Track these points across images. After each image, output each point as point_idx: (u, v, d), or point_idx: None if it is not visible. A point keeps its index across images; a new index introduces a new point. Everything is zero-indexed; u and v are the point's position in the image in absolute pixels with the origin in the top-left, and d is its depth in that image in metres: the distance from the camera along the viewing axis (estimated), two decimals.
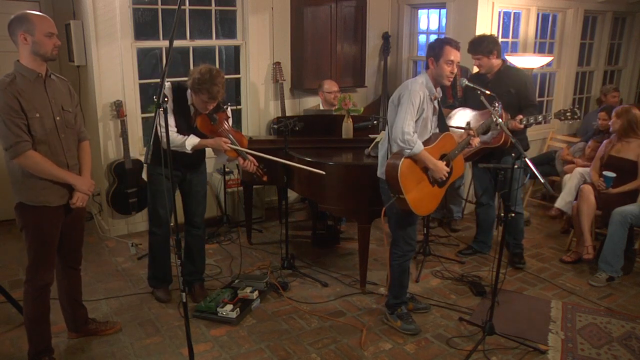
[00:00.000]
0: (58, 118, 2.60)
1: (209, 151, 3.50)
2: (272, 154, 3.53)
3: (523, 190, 5.07)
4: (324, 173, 3.52)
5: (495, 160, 3.87)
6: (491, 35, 3.98)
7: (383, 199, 3.18)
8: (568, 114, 3.70)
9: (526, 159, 2.89)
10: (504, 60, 3.95)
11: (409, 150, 2.89)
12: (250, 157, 3.41)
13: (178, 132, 3.24)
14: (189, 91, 3.24)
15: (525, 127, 3.74)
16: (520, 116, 3.67)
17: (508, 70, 3.90)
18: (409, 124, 2.87)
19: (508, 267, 4.04)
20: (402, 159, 2.90)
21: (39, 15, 2.53)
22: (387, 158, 3.01)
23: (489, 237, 4.35)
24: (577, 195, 4.30)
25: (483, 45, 3.80)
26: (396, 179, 2.88)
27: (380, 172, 3.13)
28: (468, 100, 4.02)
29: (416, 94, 2.90)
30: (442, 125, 3.24)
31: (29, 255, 2.68)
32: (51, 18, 2.60)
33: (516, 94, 3.79)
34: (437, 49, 2.97)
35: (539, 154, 5.76)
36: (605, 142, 4.37)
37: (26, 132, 2.47)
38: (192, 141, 3.23)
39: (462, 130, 3.31)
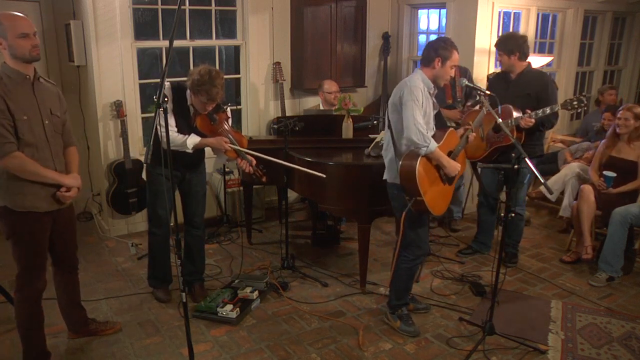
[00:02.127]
0: (47, 122, 2.54)
1: (208, 151, 3.50)
2: (272, 154, 3.53)
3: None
4: (324, 176, 3.51)
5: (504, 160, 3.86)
6: (521, 36, 3.90)
7: (394, 205, 3.12)
8: (575, 102, 3.64)
9: (526, 159, 2.88)
10: (529, 63, 3.93)
11: (425, 148, 2.83)
12: (250, 158, 3.40)
13: (178, 132, 3.24)
14: (188, 91, 3.24)
15: (540, 124, 3.72)
16: (529, 111, 3.65)
17: (531, 73, 3.89)
18: (420, 120, 2.83)
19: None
20: (419, 160, 2.84)
21: (10, 15, 2.42)
22: (396, 162, 2.96)
23: (489, 238, 4.35)
24: (577, 196, 4.30)
25: (506, 44, 3.80)
26: (414, 181, 2.82)
27: (392, 177, 3.06)
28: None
29: (417, 89, 2.88)
30: (440, 121, 3.23)
31: (18, 263, 2.60)
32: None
33: (535, 97, 3.76)
34: (446, 51, 2.94)
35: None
36: (602, 142, 4.36)
37: (12, 133, 2.40)
38: (193, 140, 3.23)
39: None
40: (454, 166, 2.99)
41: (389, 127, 3.04)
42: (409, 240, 3.11)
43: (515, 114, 3.67)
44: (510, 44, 3.80)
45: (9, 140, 2.40)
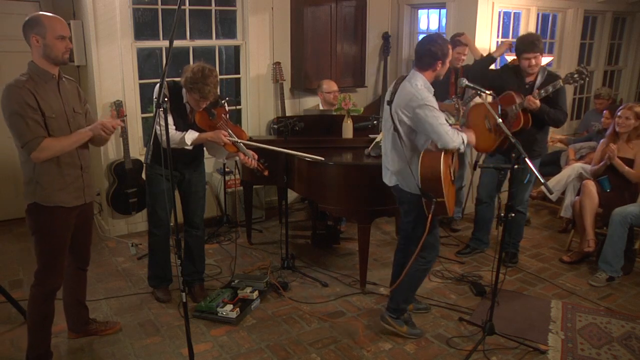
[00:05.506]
0: (71, 120, 2.60)
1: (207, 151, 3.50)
2: (272, 154, 3.53)
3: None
4: (322, 159, 3.52)
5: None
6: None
7: (408, 210, 3.04)
8: (575, 75, 3.59)
9: (526, 159, 2.88)
10: None
11: (463, 145, 2.86)
12: (251, 152, 3.40)
13: (177, 130, 3.24)
14: (183, 89, 3.24)
15: (545, 118, 3.71)
16: (536, 90, 3.63)
17: (544, 73, 3.83)
18: (443, 122, 2.80)
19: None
20: (442, 160, 2.78)
21: (51, 17, 2.48)
22: (410, 168, 2.87)
23: (486, 234, 4.35)
24: (580, 191, 4.30)
25: (540, 42, 3.70)
26: (439, 182, 2.77)
27: (408, 185, 2.96)
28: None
29: (430, 98, 2.81)
30: None
31: (40, 259, 2.65)
32: None
33: (545, 97, 3.72)
34: (445, 49, 2.89)
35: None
36: (602, 141, 4.36)
37: (43, 127, 2.45)
38: (191, 136, 3.23)
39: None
40: (471, 135, 3.03)
41: (399, 136, 2.90)
42: (427, 242, 3.01)
43: (518, 100, 3.65)
44: (541, 42, 3.72)
45: (40, 135, 2.44)
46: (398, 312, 3.18)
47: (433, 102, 2.82)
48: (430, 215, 2.85)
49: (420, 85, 2.87)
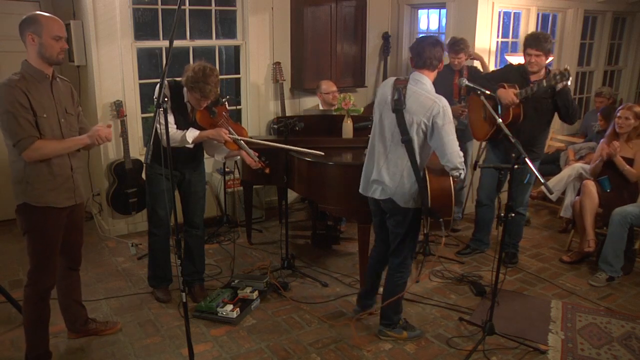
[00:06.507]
0: (63, 120, 2.60)
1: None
2: (272, 154, 3.52)
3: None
4: (323, 154, 3.53)
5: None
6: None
7: (401, 225, 2.93)
8: (558, 76, 3.52)
9: (526, 159, 2.88)
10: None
11: (463, 172, 2.74)
12: (252, 152, 3.41)
13: (178, 129, 3.24)
14: (185, 88, 3.25)
15: (566, 113, 3.71)
16: (516, 88, 3.62)
17: (548, 74, 3.77)
18: (457, 144, 2.73)
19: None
20: (451, 180, 2.73)
21: (48, 17, 2.49)
22: (418, 185, 2.78)
23: (487, 235, 4.35)
24: (580, 191, 4.30)
25: (547, 43, 3.68)
26: (450, 200, 2.70)
27: (405, 200, 2.85)
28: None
29: (449, 107, 2.73)
30: None
31: (32, 259, 2.65)
32: None
33: (552, 100, 3.71)
34: (442, 52, 2.84)
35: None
36: (601, 141, 4.36)
37: (34, 127, 2.45)
38: (192, 134, 3.23)
39: None
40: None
41: (409, 149, 2.77)
42: (407, 254, 3.03)
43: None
44: (549, 44, 3.69)
45: (31, 134, 2.44)
46: (394, 323, 3.17)
47: (450, 110, 2.74)
48: (426, 231, 2.84)
49: (430, 88, 2.80)
